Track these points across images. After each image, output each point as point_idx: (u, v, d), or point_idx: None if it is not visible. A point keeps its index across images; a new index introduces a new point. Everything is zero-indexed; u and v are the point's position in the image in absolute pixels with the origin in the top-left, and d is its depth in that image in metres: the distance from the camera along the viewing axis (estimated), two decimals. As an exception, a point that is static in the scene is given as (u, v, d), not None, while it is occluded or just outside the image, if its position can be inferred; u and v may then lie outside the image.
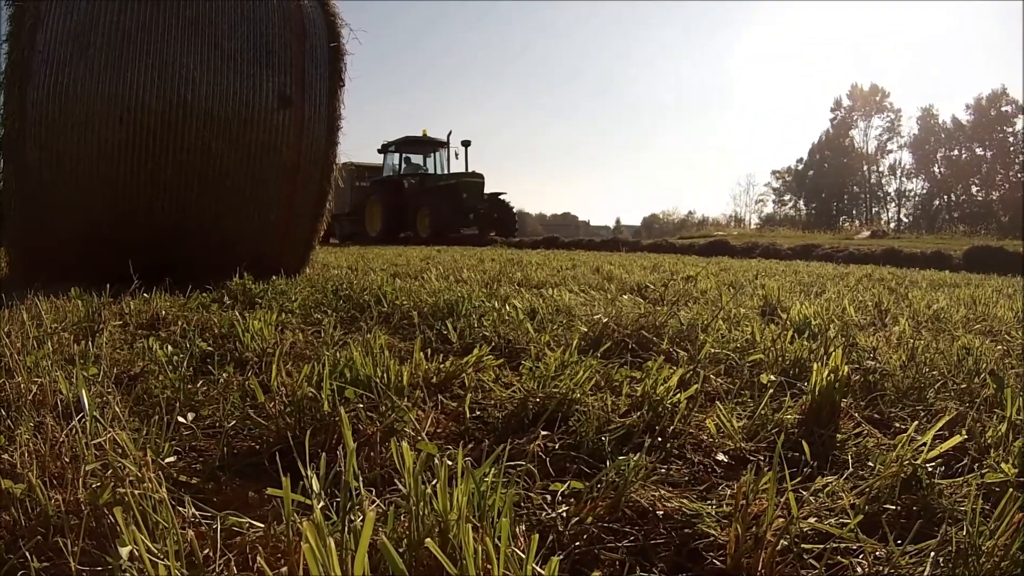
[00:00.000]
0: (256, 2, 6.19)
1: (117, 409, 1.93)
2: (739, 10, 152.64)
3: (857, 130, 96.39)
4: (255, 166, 6.05)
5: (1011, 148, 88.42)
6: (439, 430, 2.19)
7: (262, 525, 1.39)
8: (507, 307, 4.19)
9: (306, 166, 6.38)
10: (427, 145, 33.53)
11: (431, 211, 28.64)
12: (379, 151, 34.06)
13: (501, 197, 31.17)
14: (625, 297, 5.04)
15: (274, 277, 5.93)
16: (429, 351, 3.02)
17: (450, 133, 32.06)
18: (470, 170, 31.48)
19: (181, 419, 2.07)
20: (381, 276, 6.50)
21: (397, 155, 33.38)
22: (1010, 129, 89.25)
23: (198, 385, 2.48)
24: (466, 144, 31.73)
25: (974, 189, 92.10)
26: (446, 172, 32.71)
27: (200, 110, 5.75)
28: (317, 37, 6.53)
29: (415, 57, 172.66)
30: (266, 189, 6.18)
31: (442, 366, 2.72)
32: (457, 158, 32.35)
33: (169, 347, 2.94)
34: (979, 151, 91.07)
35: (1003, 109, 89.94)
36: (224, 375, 2.59)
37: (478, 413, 2.35)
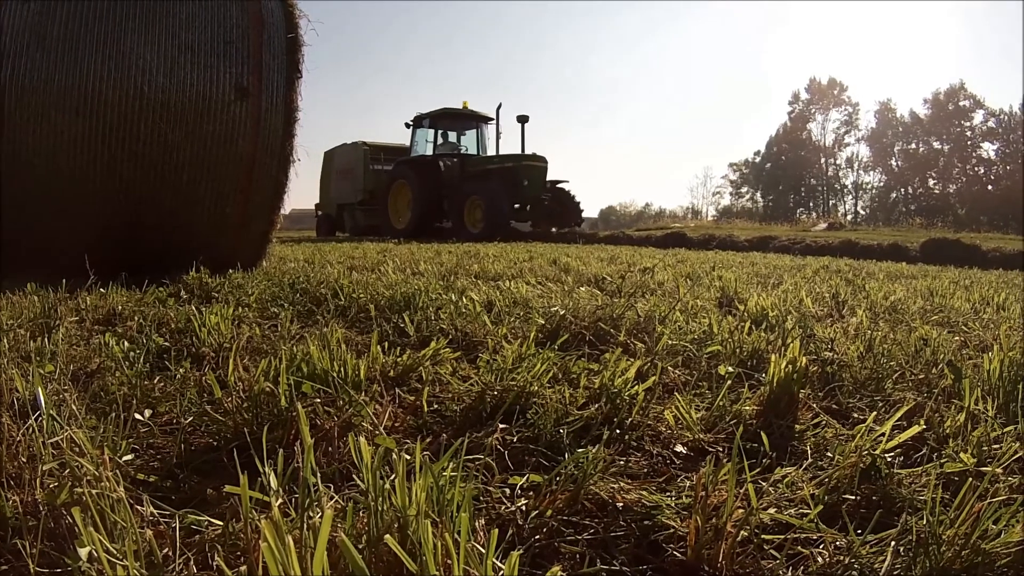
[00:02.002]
0: (215, -8, 6.13)
1: (74, 407, 1.92)
2: (696, 2, 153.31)
3: (815, 123, 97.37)
4: (212, 158, 6.00)
5: (968, 142, 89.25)
6: (397, 424, 2.19)
7: (221, 523, 1.39)
8: (464, 300, 4.20)
9: (263, 158, 6.31)
10: (468, 120, 27.98)
11: (486, 200, 23.20)
12: (408, 125, 27.92)
13: (562, 186, 25.92)
14: (582, 289, 5.06)
15: (231, 271, 5.90)
16: (386, 344, 3.01)
17: (499, 107, 25.78)
18: (527, 151, 25.41)
19: (138, 416, 2.06)
20: (338, 269, 6.51)
21: (432, 131, 27.37)
22: (967, 123, 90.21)
23: (155, 381, 2.47)
24: (523, 120, 25.58)
25: (931, 182, 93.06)
26: (487, 153, 27.35)
27: (157, 102, 5.68)
28: (275, 28, 6.45)
29: (373, 49, 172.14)
30: (223, 182, 6.13)
31: (399, 360, 2.72)
32: (499, 137, 26.53)
33: (126, 343, 2.92)
34: (936, 145, 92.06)
35: (961, 103, 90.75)
36: (181, 371, 2.57)
37: (436, 407, 2.35)
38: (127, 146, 5.60)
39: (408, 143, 28.21)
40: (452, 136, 27.97)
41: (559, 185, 25.78)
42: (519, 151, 25.40)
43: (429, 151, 27.18)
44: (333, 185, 32.11)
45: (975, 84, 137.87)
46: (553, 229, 24.08)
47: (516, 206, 24.07)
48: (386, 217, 26.85)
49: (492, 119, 26.70)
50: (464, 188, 24.42)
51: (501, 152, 26.05)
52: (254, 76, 6.17)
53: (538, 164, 24.73)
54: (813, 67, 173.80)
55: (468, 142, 28.26)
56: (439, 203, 25.51)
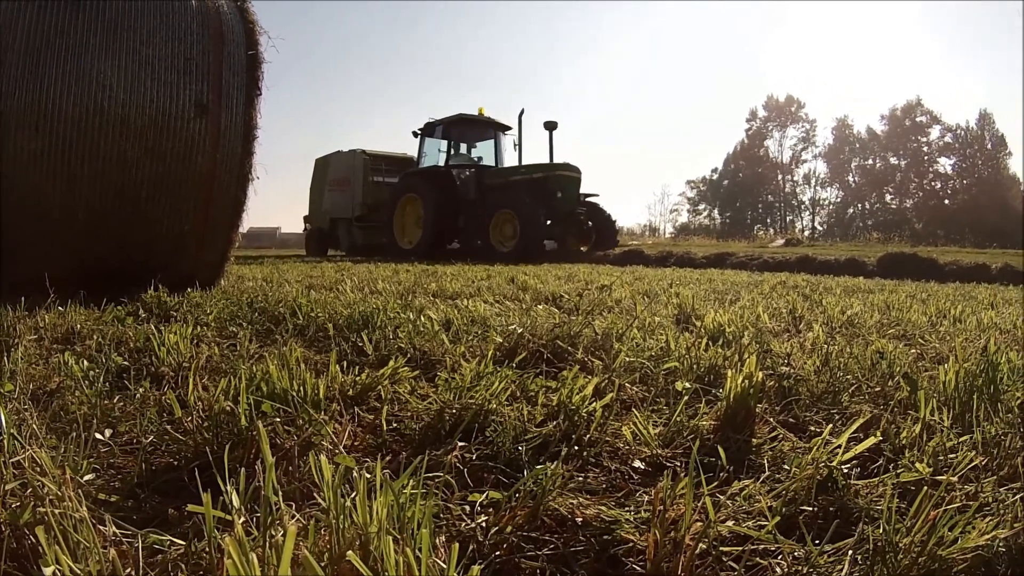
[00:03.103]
0: (176, 7, 6.10)
1: (35, 426, 1.92)
2: (653, 16, 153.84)
3: (772, 140, 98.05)
4: (171, 175, 5.95)
5: (925, 157, 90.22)
6: (357, 443, 2.20)
7: (183, 542, 1.39)
8: (422, 318, 4.20)
9: (222, 176, 6.27)
10: (485, 128, 25.08)
11: (521, 216, 20.47)
12: (416, 133, 25.22)
13: (593, 199, 23.18)
14: (540, 307, 5.07)
15: (189, 289, 5.87)
16: (345, 363, 3.03)
17: (522, 112, 23.35)
18: (555, 161, 22.58)
19: (99, 436, 2.05)
20: (296, 288, 6.46)
21: (445, 140, 24.74)
22: (924, 139, 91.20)
23: (115, 401, 2.45)
24: (551, 127, 22.73)
25: (888, 197, 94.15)
26: (504, 165, 24.69)
27: (116, 118, 5.64)
28: (235, 44, 6.43)
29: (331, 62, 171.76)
30: (181, 199, 6.08)
31: (358, 379, 2.72)
32: (516, 147, 24.03)
33: (85, 362, 2.91)
34: (893, 160, 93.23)
35: (918, 119, 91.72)
36: (141, 390, 2.57)
37: (395, 425, 2.36)
38: (87, 164, 5.56)
39: (416, 153, 25.63)
40: (465, 146, 25.47)
41: (591, 199, 23.25)
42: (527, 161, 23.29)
43: (440, 161, 24.83)
44: (326, 196, 29.14)
45: (932, 100, 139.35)
46: (583, 248, 22.29)
47: (548, 222, 21.26)
48: (391, 235, 24.49)
49: (510, 128, 24.90)
50: (487, 202, 22.03)
51: (518, 162, 23.69)
52: (214, 93, 6.15)
53: (572, 174, 22.16)
54: (771, 86, 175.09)
55: (482, 152, 25.61)
56: (454, 220, 23.11)
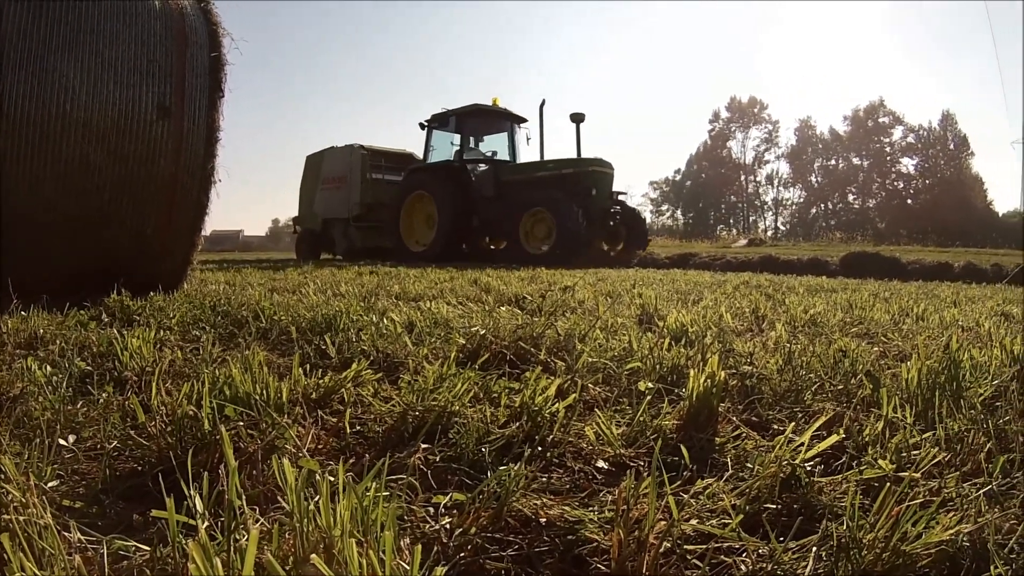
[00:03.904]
0: (139, 9, 6.05)
1: (-2, 433, 1.92)
2: (616, 18, 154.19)
3: (735, 141, 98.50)
4: (133, 178, 5.90)
5: (888, 157, 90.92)
6: (320, 446, 2.20)
7: (148, 548, 1.39)
8: (385, 321, 4.19)
9: (184, 179, 6.22)
10: (500, 120, 23.03)
11: (559, 216, 18.37)
12: (423, 125, 23.06)
13: (623, 198, 21.02)
14: (503, 309, 5.06)
15: (152, 293, 5.83)
16: (308, 366, 3.01)
17: (543, 103, 21.25)
18: (582, 155, 20.60)
19: (62, 442, 2.05)
20: (259, 291, 6.43)
21: (458, 133, 22.47)
22: (887, 139, 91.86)
23: (78, 406, 2.44)
24: (578, 119, 20.67)
25: (851, 197, 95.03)
26: (519, 160, 22.90)
27: (79, 121, 5.59)
28: (198, 46, 6.38)
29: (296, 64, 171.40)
30: (144, 202, 6.03)
31: (321, 381, 2.72)
32: (529, 142, 23.72)
33: (48, 367, 2.89)
34: (856, 160, 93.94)
35: (880, 120, 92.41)
36: (104, 395, 2.55)
37: (358, 428, 2.36)
38: (49, 166, 5.52)
39: (423, 148, 23.54)
40: (472, 139, 23.26)
41: (621, 197, 21.16)
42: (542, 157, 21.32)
43: (450, 155, 22.56)
44: (319, 196, 26.78)
45: (894, 101, 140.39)
46: (606, 248, 20.36)
47: (590, 222, 18.89)
48: (397, 237, 22.40)
49: (526, 120, 23.13)
50: (510, 200, 20.01)
51: (540, 156, 21.56)
52: (177, 95, 6.11)
53: (606, 170, 20.34)
54: (734, 87, 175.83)
55: (493, 146, 23.52)
56: (468, 219, 21.04)
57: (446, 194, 20.85)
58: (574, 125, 20.84)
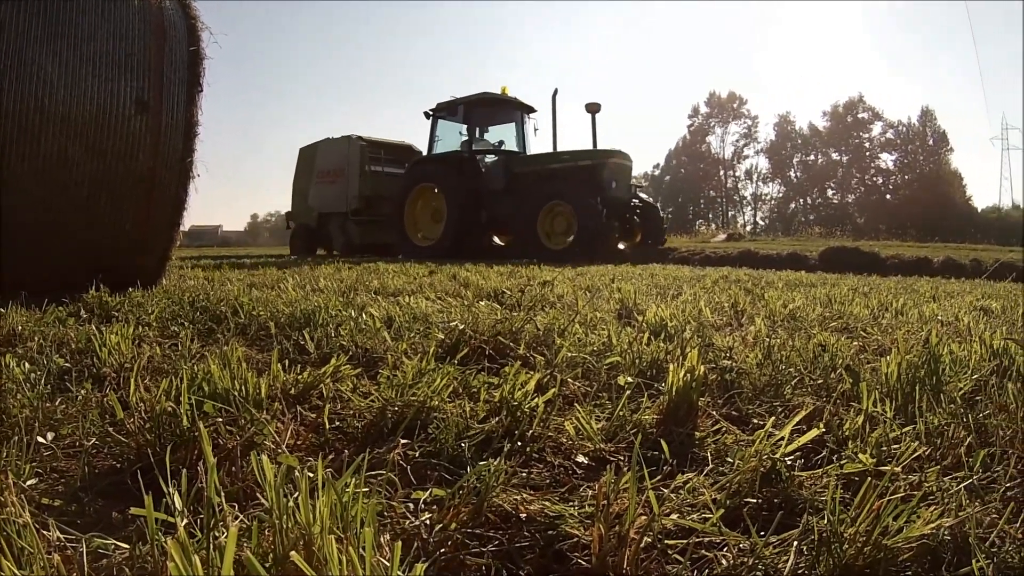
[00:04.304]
0: (117, 3, 6.01)
1: (-24, 431, 1.91)
2: (594, 12, 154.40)
3: (714, 136, 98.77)
4: (111, 173, 5.88)
5: (867, 153, 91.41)
6: (299, 442, 2.19)
7: (127, 546, 1.39)
8: (364, 316, 4.20)
9: (162, 174, 6.20)
10: (510, 109, 22.11)
11: (580, 210, 17.56)
12: (428, 114, 21.79)
13: (642, 192, 20.58)
14: (482, 303, 5.06)
15: (131, 289, 5.80)
16: (287, 362, 3.03)
17: (556, 93, 20.14)
18: (599, 147, 19.87)
19: (41, 439, 2.04)
20: (238, 287, 6.40)
21: (465, 122, 21.53)
22: (866, 135, 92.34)
23: (57, 403, 2.42)
24: (594, 109, 20.08)
25: (830, 192, 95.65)
26: (528, 151, 21.92)
27: (57, 115, 5.56)
28: (177, 41, 6.35)
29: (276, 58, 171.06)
30: (122, 198, 6.00)
31: (300, 377, 2.71)
32: (536, 132, 22.17)
33: (26, 364, 2.87)
34: (835, 156, 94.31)
35: (860, 116, 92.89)
36: (83, 392, 2.54)
37: (337, 423, 2.36)
38: (27, 161, 5.48)
39: (427, 138, 22.03)
40: (478, 129, 22.30)
41: (640, 190, 20.83)
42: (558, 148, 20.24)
43: (457, 146, 21.43)
44: (314, 189, 25.69)
45: (874, 97, 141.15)
46: (621, 246, 19.05)
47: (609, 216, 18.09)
48: (401, 231, 21.25)
49: (535, 110, 22.16)
50: (527, 192, 19.01)
51: (553, 147, 20.41)
52: (155, 90, 6.07)
53: (625, 162, 19.65)
54: (714, 82, 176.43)
55: (500, 136, 22.35)
56: (478, 213, 20.05)
57: (455, 186, 19.97)
58: (589, 116, 20.29)
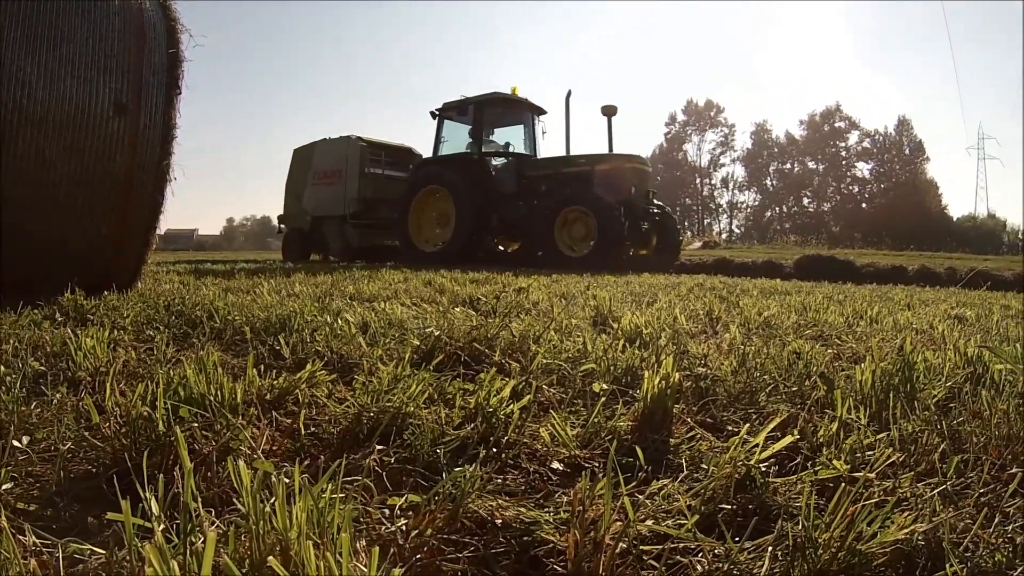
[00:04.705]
0: (97, 3, 5.96)
1: (-48, 435, 1.91)
2: (573, 16, 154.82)
3: (691, 144, 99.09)
4: (89, 176, 5.82)
5: (843, 162, 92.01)
6: (275, 447, 2.20)
7: (104, 551, 1.39)
8: (339, 321, 4.18)
9: (140, 177, 6.14)
10: (522, 109, 21.06)
11: (600, 216, 16.66)
12: (435, 114, 20.78)
13: (657, 200, 19.11)
14: (457, 310, 5.07)
15: (106, 292, 5.77)
16: (262, 367, 2.99)
17: (569, 94, 19.43)
18: (614, 151, 19.10)
19: (16, 443, 2.03)
20: (213, 291, 6.39)
21: (475, 123, 20.09)
22: (842, 144, 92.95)
23: (32, 407, 2.41)
24: (610, 112, 19.26)
25: (806, 201, 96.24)
26: (538, 153, 20.91)
27: (36, 116, 5.50)
28: (156, 43, 6.29)
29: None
30: (99, 200, 5.95)
31: (275, 382, 2.71)
32: (544, 135, 20.82)
33: (1, 367, 2.86)
34: (812, 164, 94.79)
35: (836, 125, 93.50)
36: (58, 396, 2.53)
37: (313, 429, 2.35)
38: (4, 161, 5.46)
39: (433, 139, 20.84)
40: (494, 131, 21.10)
41: (655, 197, 19.34)
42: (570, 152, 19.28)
43: (461, 148, 20.62)
44: (308, 192, 24.56)
45: (851, 106, 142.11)
46: (631, 253, 18.12)
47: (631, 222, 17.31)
48: (404, 235, 20.31)
49: (545, 111, 21.16)
50: (547, 197, 18.20)
51: (566, 150, 19.45)
52: (133, 92, 6.02)
53: (644, 167, 18.87)
54: (691, 90, 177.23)
55: (508, 138, 21.27)
56: (487, 217, 19.10)
57: (464, 189, 18.95)
58: (605, 119, 19.46)
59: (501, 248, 20.97)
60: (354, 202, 22.82)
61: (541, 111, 21.18)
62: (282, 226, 26.77)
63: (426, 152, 21.61)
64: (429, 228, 20.13)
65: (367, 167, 23.11)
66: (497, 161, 20.32)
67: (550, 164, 19.40)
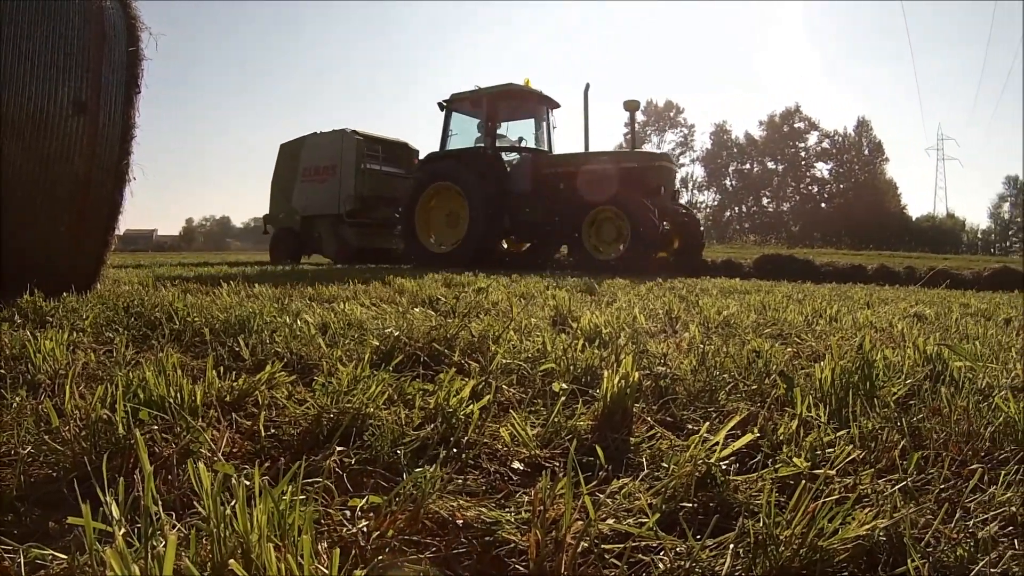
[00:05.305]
0: (58, 1, 5.91)
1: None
2: (522, 17, 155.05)
3: (650, 144, 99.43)
4: (47, 175, 5.75)
5: (803, 162, 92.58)
6: (235, 449, 2.20)
7: (65, 556, 1.39)
8: (299, 322, 4.19)
9: (98, 176, 6.09)
10: (534, 103, 19.97)
11: (634, 218, 15.91)
12: (443, 106, 19.59)
13: (682, 200, 18.68)
14: (417, 310, 5.08)
15: (65, 294, 5.72)
16: (222, 369, 3.00)
17: (587, 87, 18.36)
18: (636, 149, 19.12)
19: (-24, 448, 2.02)
20: (172, 292, 6.35)
21: (489, 117, 19.01)
22: (802, 145, 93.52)
23: (-9, 410, 2.40)
24: (633, 108, 18.54)
25: (765, 201, 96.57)
26: (552, 149, 20.12)
27: (-6, 114, 5.46)
28: (116, 41, 6.23)
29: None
30: (58, 200, 5.89)
31: (235, 384, 2.71)
32: (554, 130, 19.95)
33: (-41, 370, 2.86)
34: (771, 165, 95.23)
35: (796, 125, 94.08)
36: (17, 399, 2.51)
37: (273, 431, 2.35)
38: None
39: (441, 133, 19.71)
40: (504, 125, 19.89)
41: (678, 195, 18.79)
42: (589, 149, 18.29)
43: (469, 142, 19.70)
44: (298, 189, 23.54)
45: (810, 107, 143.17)
46: (659, 254, 17.31)
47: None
48: (412, 236, 18.98)
49: (559, 105, 20.26)
50: (569, 196, 17.30)
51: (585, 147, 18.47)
52: (93, 90, 5.96)
53: (672, 166, 18.17)
54: (651, 91, 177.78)
55: (519, 131, 20.28)
56: (500, 216, 18.07)
57: (478, 186, 17.83)
58: (627, 114, 19.09)
59: (510, 249, 20.32)
60: (350, 200, 21.91)
61: (555, 104, 20.34)
62: (268, 227, 25.53)
63: (422, 147, 20.82)
64: (437, 228, 19.12)
65: (363, 162, 22.16)
66: (509, 156, 19.32)
67: (570, 161, 18.36)
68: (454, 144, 19.72)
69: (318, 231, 23.27)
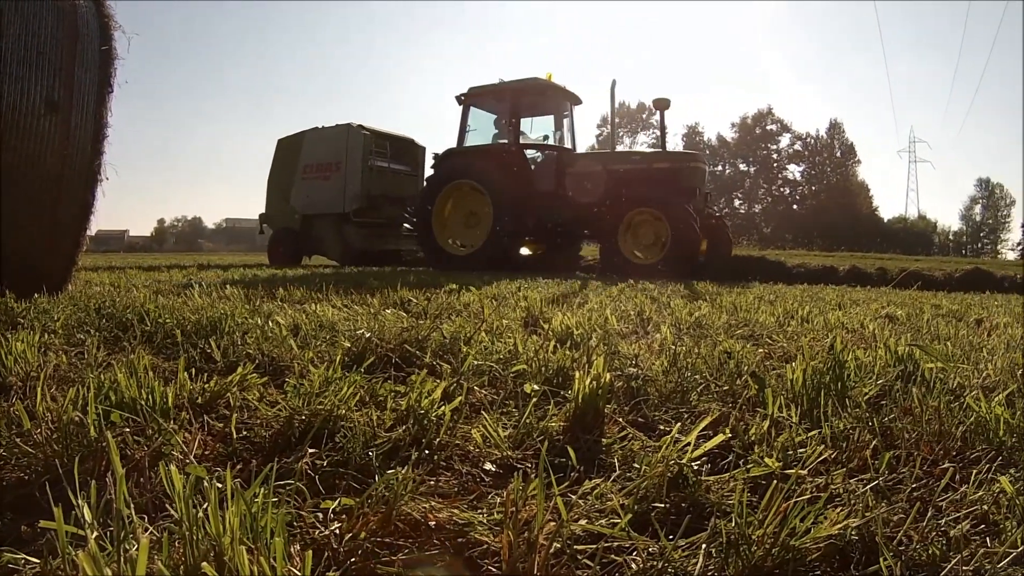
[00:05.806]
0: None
1: None
2: (491, 22, 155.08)
3: (623, 146, 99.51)
4: (18, 175, 5.71)
5: (775, 164, 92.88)
6: (207, 452, 2.19)
7: (38, 560, 1.39)
8: (270, 324, 4.17)
9: (70, 176, 6.05)
10: (557, 98, 19.18)
11: (674, 221, 15.14)
12: (461, 99, 18.61)
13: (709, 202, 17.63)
14: (388, 312, 5.06)
15: (36, 295, 5.69)
16: (194, 370, 2.98)
17: (614, 84, 17.41)
18: (666, 148, 18.28)
19: (-54, 451, 2.01)
20: (144, 293, 6.33)
21: (512, 112, 18.08)
22: (774, 147, 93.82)
23: (-38, 414, 2.39)
24: (663, 106, 17.18)
25: (737, 202, 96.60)
26: (575, 146, 19.50)
27: (-34, 112, 5.40)
28: (89, 39, 6.18)
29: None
30: (29, 201, 5.86)
31: (207, 386, 2.70)
32: (559, 131, 19.16)
33: (-71, 372, 2.85)
34: (743, 167, 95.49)
35: (768, 127, 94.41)
36: (-12, 401, 2.50)
37: (245, 433, 2.35)
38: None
39: (458, 128, 18.69)
40: (528, 121, 18.92)
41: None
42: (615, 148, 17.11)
43: (487, 139, 18.95)
44: (298, 187, 22.40)
45: (782, 109, 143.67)
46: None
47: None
48: (429, 237, 18.03)
49: (581, 101, 19.49)
50: (598, 196, 16.59)
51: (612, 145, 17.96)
52: (65, 89, 5.92)
53: (704, 166, 17.34)
54: (623, 93, 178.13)
55: (538, 127, 19.38)
56: (526, 217, 17.10)
57: (502, 185, 17.02)
58: (658, 112, 17.92)
59: (523, 252, 18.98)
60: (356, 198, 20.89)
61: (578, 100, 19.67)
62: (264, 226, 24.70)
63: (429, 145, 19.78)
64: (457, 229, 18.28)
65: (370, 159, 21.29)
66: (532, 154, 18.47)
67: (598, 160, 17.87)
68: (477, 139, 18.95)
69: (319, 231, 22.29)
